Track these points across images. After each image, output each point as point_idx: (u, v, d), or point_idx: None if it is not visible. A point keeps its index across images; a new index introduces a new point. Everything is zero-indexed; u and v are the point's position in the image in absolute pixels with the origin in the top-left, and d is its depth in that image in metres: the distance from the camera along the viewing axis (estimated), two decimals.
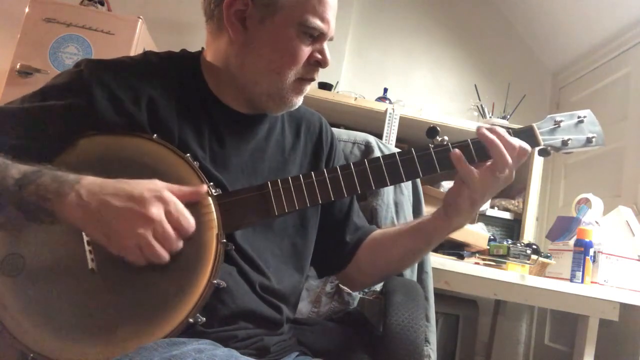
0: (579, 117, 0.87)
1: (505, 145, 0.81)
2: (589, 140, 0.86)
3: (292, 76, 0.84)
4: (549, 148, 0.86)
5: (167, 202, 0.70)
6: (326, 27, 0.84)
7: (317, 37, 0.84)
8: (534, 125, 0.86)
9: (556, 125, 0.86)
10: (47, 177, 0.70)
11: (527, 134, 0.85)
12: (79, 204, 0.68)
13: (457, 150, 0.82)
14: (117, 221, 0.68)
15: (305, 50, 0.83)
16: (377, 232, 1.02)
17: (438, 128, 0.84)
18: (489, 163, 0.82)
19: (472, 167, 0.81)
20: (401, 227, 0.98)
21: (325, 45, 0.86)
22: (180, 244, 0.71)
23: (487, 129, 0.82)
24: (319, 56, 0.85)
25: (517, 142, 0.82)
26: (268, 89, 0.85)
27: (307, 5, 0.81)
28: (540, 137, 0.86)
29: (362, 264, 0.99)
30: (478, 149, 0.83)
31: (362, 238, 1.00)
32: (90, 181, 0.70)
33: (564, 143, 0.85)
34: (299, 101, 0.88)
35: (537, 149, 0.86)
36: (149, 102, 0.82)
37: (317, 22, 0.82)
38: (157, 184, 0.71)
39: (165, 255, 0.69)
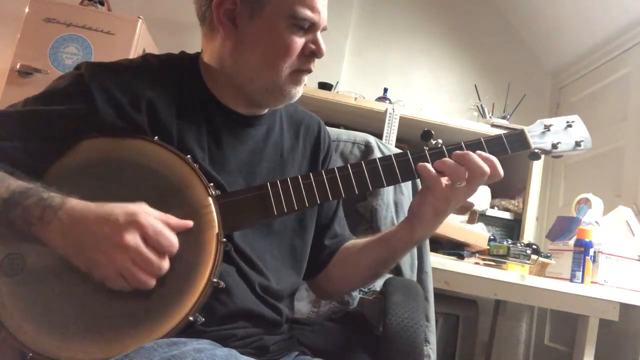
0: (567, 121, 0.90)
1: (448, 166, 0.80)
2: (577, 144, 0.89)
3: (287, 69, 0.83)
4: (538, 151, 0.87)
5: (142, 226, 0.68)
6: (317, 17, 0.83)
7: (309, 27, 0.83)
8: (525, 128, 0.88)
9: (546, 129, 0.88)
10: (33, 199, 0.69)
11: (518, 137, 0.86)
12: (61, 232, 0.68)
13: (421, 164, 0.81)
14: (95, 252, 0.67)
15: (298, 42, 0.83)
16: (350, 241, 1.02)
17: (432, 131, 0.85)
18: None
19: (438, 175, 0.80)
20: (371, 238, 0.97)
21: (319, 35, 0.85)
22: (165, 264, 0.70)
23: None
24: (313, 46, 0.84)
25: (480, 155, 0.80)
26: (265, 84, 0.85)
27: None
28: (530, 140, 0.87)
29: (332, 272, 0.99)
30: (472, 151, 0.83)
31: (338, 245, 1.00)
32: (72, 207, 0.69)
33: (554, 146, 0.88)
34: (298, 92, 0.88)
35: (528, 152, 0.87)
36: (149, 105, 0.82)
37: (307, 13, 0.82)
38: (135, 205, 0.70)
39: (149, 281, 0.68)
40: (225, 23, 0.83)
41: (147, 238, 0.68)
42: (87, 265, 0.69)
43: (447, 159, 0.81)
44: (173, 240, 0.70)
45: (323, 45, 0.85)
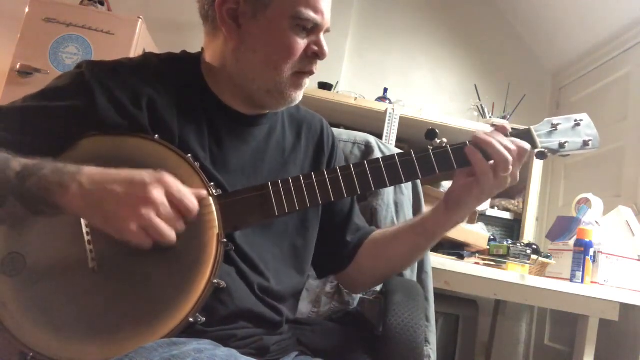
0: (575, 120, 0.88)
1: (503, 146, 0.81)
2: (585, 143, 0.87)
3: (288, 70, 0.83)
4: (546, 151, 0.86)
5: (168, 185, 0.70)
6: (320, 18, 0.82)
7: (312, 28, 0.83)
8: (532, 127, 0.87)
9: (553, 128, 0.87)
10: (48, 169, 0.70)
11: (524, 137, 0.86)
12: (81, 193, 0.68)
13: (471, 147, 0.81)
14: (119, 206, 0.67)
15: (301, 43, 0.82)
16: (377, 232, 1.02)
17: (437, 130, 0.84)
18: (491, 162, 0.82)
19: (489, 165, 0.81)
20: (400, 226, 0.97)
21: (322, 37, 0.85)
22: (182, 225, 0.71)
23: (484, 133, 0.83)
24: (316, 48, 0.84)
25: (513, 142, 0.82)
26: (266, 84, 0.84)
27: None
28: (537, 140, 0.86)
29: (363, 264, 0.99)
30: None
31: (362, 238, 1.00)
32: (91, 171, 0.70)
33: (561, 145, 0.86)
34: (298, 96, 0.87)
35: (535, 151, 0.86)
36: (150, 103, 0.82)
37: (310, 14, 0.81)
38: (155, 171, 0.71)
39: (171, 234, 0.69)
40: (227, 22, 0.83)
41: (171, 197, 0.69)
42: (108, 220, 0.68)
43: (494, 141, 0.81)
44: (194, 202, 0.71)
45: (326, 47, 0.84)
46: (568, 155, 0.89)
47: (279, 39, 0.81)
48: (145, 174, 0.70)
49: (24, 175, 0.69)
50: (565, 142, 0.86)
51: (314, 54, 0.84)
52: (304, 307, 1.19)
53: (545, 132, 0.87)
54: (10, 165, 0.70)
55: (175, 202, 0.70)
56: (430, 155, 0.82)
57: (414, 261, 1.03)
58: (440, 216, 0.89)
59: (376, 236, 1.01)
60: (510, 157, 0.80)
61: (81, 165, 0.72)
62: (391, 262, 0.99)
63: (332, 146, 1.03)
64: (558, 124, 0.87)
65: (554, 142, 0.86)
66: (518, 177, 0.84)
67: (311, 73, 0.86)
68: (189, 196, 0.71)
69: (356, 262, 0.99)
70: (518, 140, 0.83)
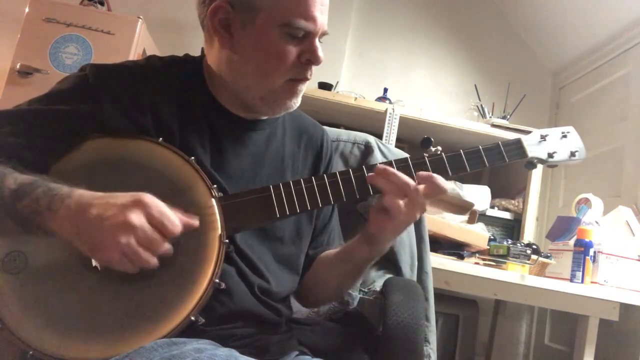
0: (562, 132, 0.93)
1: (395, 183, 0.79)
2: (572, 154, 0.91)
3: (281, 78, 0.82)
4: (535, 160, 0.89)
5: (147, 206, 0.68)
6: (312, 25, 0.80)
7: (305, 35, 0.81)
8: (522, 137, 0.90)
9: (542, 139, 0.91)
10: (40, 190, 0.69)
11: (515, 146, 0.88)
12: (67, 218, 0.68)
13: (371, 177, 0.80)
14: (99, 233, 0.67)
15: (293, 51, 0.81)
16: (325, 252, 1.00)
17: (432, 139, 0.86)
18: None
19: (400, 202, 0.78)
20: (338, 250, 0.96)
21: (317, 42, 0.83)
22: (167, 246, 0.69)
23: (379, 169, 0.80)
24: (309, 55, 0.82)
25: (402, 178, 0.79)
26: (259, 92, 0.84)
27: (287, 5, 0.79)
28: (527, 149, 0.88)
29: (307, 280, 0.98)
30: (471, 158, 0.85)
31: (317, 254, 0.99)
32: (80, 195, 0.70)
33: (549, 155, 0.90)
34: (294, 103, 0.87)
35: (525, 161, 0.88)
36: (152, 107, 0.82)
37: (300, 22, 0.79)
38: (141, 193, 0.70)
39: (152, 260, 0.68)
40: (220, 32, 0.83)
41: (151, 218, 0.68)
42: (92, 248, 0.68)
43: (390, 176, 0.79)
44: (176, 222, 0.70)
45: (320, 53, 0.82)
46: (556, 165, 0.93)
47: (269, 48, 0.80)
48: (123, 197, 0.68)
49: (17, 195, 0.69)
50: (554, 152, 0.90)
51: (308, 61, 0.83)
52: (304, 307, 1.18)
53: (535, 142, 0.90)
54: (5, 183, 0.70)
55: (155, 223, 0.68)
56: (427, 162, 0.84)
57: (348, 286, 1.01)
58: (363, 250, 0.87)
59: (322, 256, 0.99)
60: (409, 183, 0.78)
61: (84, 175, 0.72)
62: (326, 284, 0.97)
63: (329, 158, 1.03)
64: (547, 135, 0.91)
65: (542, 152, 0.90)
66: (425, 208, 0.81)
67: (306, 80, 0.85)
68: (169, 215, 0.69)
69: (305, 277, 0.98)
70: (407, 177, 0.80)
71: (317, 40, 0.83)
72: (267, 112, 0.89)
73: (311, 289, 0.99)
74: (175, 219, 0.70)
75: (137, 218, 0.67)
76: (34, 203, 0.68)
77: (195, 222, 0.73)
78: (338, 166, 1.19)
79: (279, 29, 0.80)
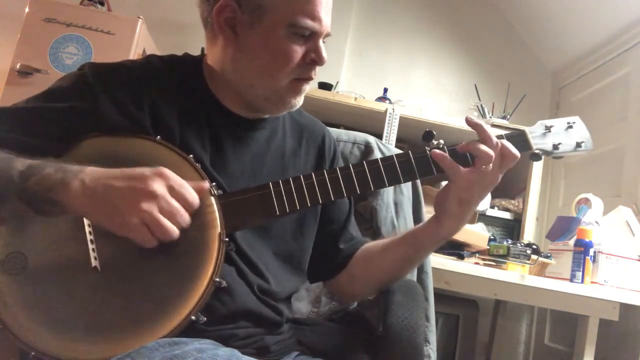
0: (568, 122, 0.90)
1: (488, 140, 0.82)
2: (578, 145, 0.89)
3: (286, 77, 0.83)
4: (540, 152, 0.87)
5: (168, 178, 0.70)
6: (318, 26, 0.82)
7: (310, 35, 0.82)
8: (526, 129, 0.88)
9: (547, 130, 0.89)
10: (51, 168, 0.70)
11: (519, 139, 0.87)
12: (83, 191, 0.68)
13: (436, 151, 0.82)
14: (120, 201, 0.67)
15: (298, 51, 0.82)
16: (370, 243, 1.02)
17: (434, 132, 0.85)
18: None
19: (456, 163, 0.81)
20: (393, 237, 0.97)
21: (321, 43, 0.84)
22: (188, 219, 0.70)
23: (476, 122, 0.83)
24: (314, 55, 0.83)
25: (500, 142, 0.82)
26: (264, 92, 0.85)
27: (295, 5, 0.80)
28: (532, 141, 0.87)
29: (354, 274, 0.99)
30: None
31: (355, 248, 1.00)
32: (93, 169, 0.71)
33: (555, 147, 0.88)
34: (298, 102, 0.87)
35: (529, 153, 0.87)
36: (152, 106, 0.82)
37: (307, 22, 0.80)
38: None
39: (174, 230, 0.68)
40: (225, 30, 0.83)
41: (172, 189, 0.69)
42: (110, 216, 0.68)
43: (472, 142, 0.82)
44: (195, 196, 0.71)
45: (324, 53, 0.84)
46: (562, 156, 0.91)
47: (276, 47, 0.81)
48: (145, 168, 0.70)
49: (26, 174, 0.69)
50: (559, 144, 0.88)
51: (312, 61, 0.84)
52: (304, 307, 1.19)
53: (540, 134, 0.88)
54: (13, 165, 0.70)
55: (176, 194, 0.69)
56: (428, 155, 0.83)
57: (404, 274, 1.03)
58: (431, 227, 0.89)
59: (369, 247, 1.01)
60: (491, 152, 0.81)
61: (84, 165, 0.72)
62: (381, 273, 0.98)
63: (333, 154, 1.03)
64: (551, 126, 0.89)
65: (547, 143, 0.88)
66: (499, 179, 0.84)
67: (310, 79, 0.86)
68: (189, 189, 0.71)
69: (348, 271, 0.99)
70: (504, 141, 0.83)
71: (321, 40, 0.84)
72: (270, 111, 0.89)
73: (360, 279, 0.99)
74: (193, 192, 0.71)
75: (159, 187, 0.68)
76: (46, 180, 0.69)
77: (206, 184, 0.75)
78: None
79: (286, 28, 0.80)
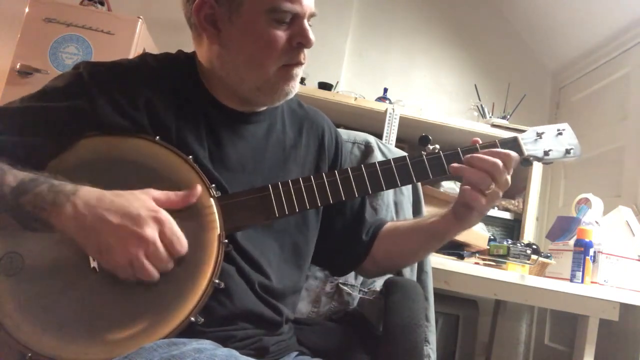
0: (558, 129, 0.93)
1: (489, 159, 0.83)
2: (567, 152, 0.91)
3: (274, 65, 0.82)
4: (531, 158, 0.90)
5: (162, 223, 0.70)
6: (298, 7, 0.80)
7: (292, 19, 0.81)
8: (518, 136, 0.90)
9: (538, 137, 0.91)
10: (44, 186, 0.70)
11: (511, 145, 0.88)
12: (74, 215, 0.68)
13: (455, 165, 0.84)
14: (112, 238, 0.68)
15: (282, 36, 0.81)
16: (390, 224, 1.03)
17: (429, 137, 0.87)
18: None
19: (479, 194, 0.82)
20: (414, 224, 0.99)
21: (306, 24, 0.82)
22: (171, 265, 0.71)
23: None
24: (300, 37, 0.82)
25: (498, 152, 0.84)
26: (255, 83, 0.84)
27: None
28: (524, 147, 0.89)
29: (376, 257, 1.00)
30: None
31: (376, 232, 1.01)
32: (87, 192, 0.70)
33: (545, 153, 0.90)
34: (292, 88, 0.86)
35: (521, 158, 0.89)
36: (147, 104, 0.82)
37: (286, 5, 0.79)
38: (151, 200, 0.72)
39: (155, 275, 0.70)
40: (207, 28, 0.83)
41: (163, 236, 0.70)
42: (98, 249, 0.69)
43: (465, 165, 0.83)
44: (184, 244, 0.72)
45: (311, 35, 0.82)
46: (551, 162, 0.93)
47: (258, 36, 0.80)
48: (142, 208, 0.70)
49: (18, 191, 0.69)
50: (550, 150, 0.90)
51: (299, 44, 0.82)
52: (304, 307, 1.19)
53: (531, 140, 0.91)
54: (5, 179, 0.70)
55: (165, 241, 0.70)
56: (424, 160, 0.85)
57: (424, 257, 1.09)
58: (452, 225, 0.91)
59: (390, 229, 1.02)
60: (499, 163, 0.82)
61: (81, 173, 0.72)
62: (404, 256, 1.02)
63: (336, 144, 1.03)
64: (542, 133, 0.91)
65: (538, 149, 0.90)
66: (509, 182, 0.86)
67: (299, 64, 0.85)
68: (179, 236, 0.71)
69: (370, 255, 1.00)
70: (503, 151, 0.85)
71: (305, 22, 0.83)
72: (265, 101, 0.89)
73: (380, 260, 1.01)
74: (184, 240, 0.72)
75: (151, 233, 0.68)
76: (38, 199, 0.69)
77: (198, 189, 0.76)
78: None
79: (266, 15, 0.79)
